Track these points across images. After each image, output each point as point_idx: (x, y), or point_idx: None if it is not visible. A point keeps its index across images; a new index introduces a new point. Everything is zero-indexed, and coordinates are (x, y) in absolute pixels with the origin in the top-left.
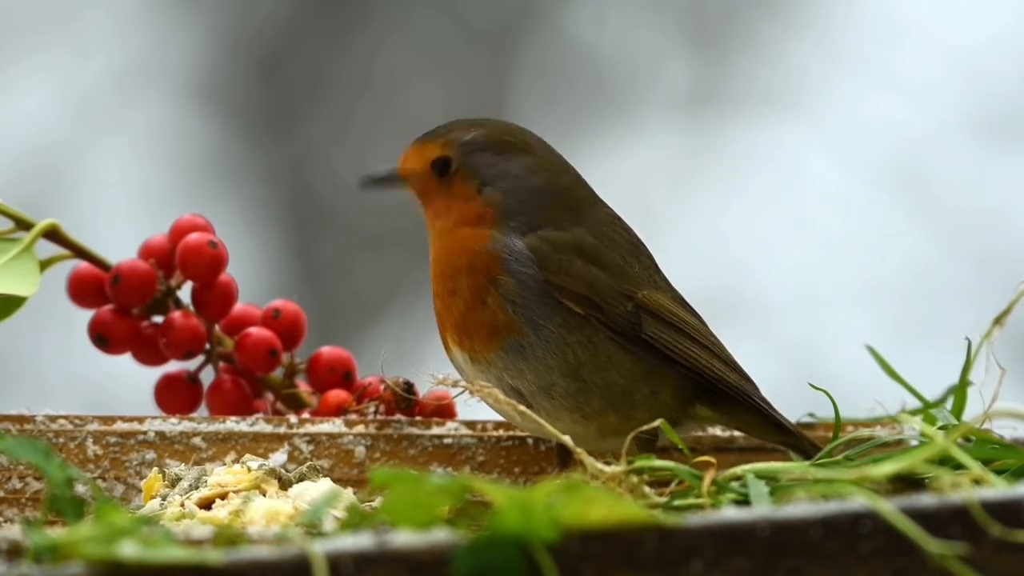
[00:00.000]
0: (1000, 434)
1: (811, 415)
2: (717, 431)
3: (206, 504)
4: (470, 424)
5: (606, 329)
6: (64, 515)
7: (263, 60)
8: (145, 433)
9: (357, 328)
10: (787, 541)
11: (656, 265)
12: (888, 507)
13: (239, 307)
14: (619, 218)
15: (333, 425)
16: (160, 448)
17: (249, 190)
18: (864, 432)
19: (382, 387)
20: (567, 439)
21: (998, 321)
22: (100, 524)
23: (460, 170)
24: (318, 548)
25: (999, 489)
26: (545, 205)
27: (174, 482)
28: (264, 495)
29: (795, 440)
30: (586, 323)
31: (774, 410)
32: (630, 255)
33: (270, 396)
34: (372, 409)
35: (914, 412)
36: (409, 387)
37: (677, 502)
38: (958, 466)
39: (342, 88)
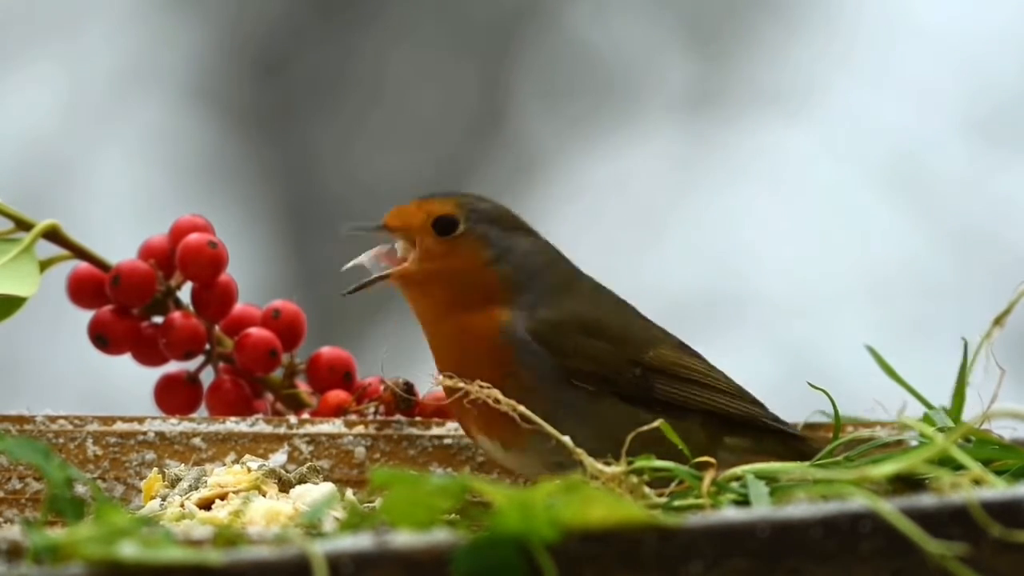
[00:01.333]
0: (1000, 434)
1: (822, 412)
2: None
3: (206, 504)
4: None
5: (620, 399)
6: (64, 516)
7: (262, 61)
8: (145, 433)
9: (357, 328)
10: (787, 541)
11: (643, 315)
12: (888, 507)
13: (239, 307)
14: (598, 283)
15: (333, 426)
16: (160, 448)
17: (249, 190)
18: (864, 432)
19: (382, 388)
20: (567, 439)
21: (998, 321)
22: (100, 524)
23: (467, 235)
24: (318, 548)
25: (999, 489)
26: (545, 284)
27: (174, 482)
28: (264, 496)
29: (809, 449)
30: (603, 394)
31: (783, 423)
32: (624, 316)
33: (270, 396)
34: (372, 410)
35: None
36: (409, 388)
37: (677, 502)
38: (958, 467)
39: (342, 88)
